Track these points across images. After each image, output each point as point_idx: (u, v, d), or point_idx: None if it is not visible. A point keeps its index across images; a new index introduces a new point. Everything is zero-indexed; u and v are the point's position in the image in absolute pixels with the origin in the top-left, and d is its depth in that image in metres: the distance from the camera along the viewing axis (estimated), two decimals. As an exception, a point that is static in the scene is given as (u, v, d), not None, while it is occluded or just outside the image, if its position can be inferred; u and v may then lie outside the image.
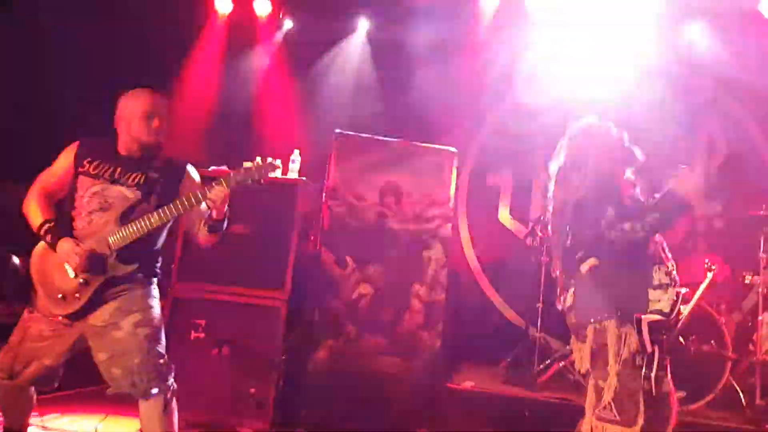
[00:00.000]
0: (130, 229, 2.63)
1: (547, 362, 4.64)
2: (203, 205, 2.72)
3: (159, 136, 2.77)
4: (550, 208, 2.71)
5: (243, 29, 5.97)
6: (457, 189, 5.43)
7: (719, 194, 5.55)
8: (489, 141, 6.24)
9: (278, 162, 2.76)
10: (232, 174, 2.68)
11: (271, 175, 2.86)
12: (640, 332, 2.43)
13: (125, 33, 5.40)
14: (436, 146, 4.84)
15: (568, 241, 2.61)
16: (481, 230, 6.19)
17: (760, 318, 4.27)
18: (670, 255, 2.60)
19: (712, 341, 4.11)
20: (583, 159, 2.62)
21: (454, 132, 5.55)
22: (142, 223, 2.63)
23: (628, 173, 2.65)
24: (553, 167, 2.73)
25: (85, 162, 2.74)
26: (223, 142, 5.39)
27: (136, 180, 2.73)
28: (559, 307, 2.71)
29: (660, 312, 2.46)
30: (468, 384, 4.22)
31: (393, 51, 5.89)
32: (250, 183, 2.70)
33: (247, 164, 2.76)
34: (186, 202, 2.65)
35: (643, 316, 2.44)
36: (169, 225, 2.77)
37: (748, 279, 4.37)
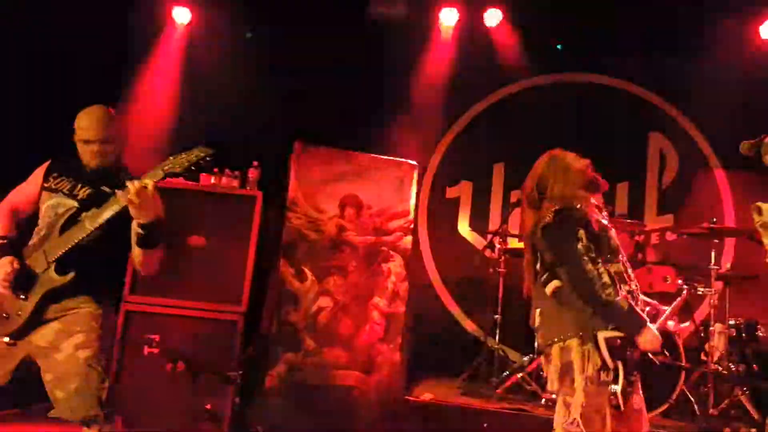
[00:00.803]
0: (65, 237, 2.55)
1: (505, 374, 4.66)
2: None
3: (102, 159, 2.69)
4: (525, 233, 2.77)
5: (202, 37, 5.89)
6: (417, 202, 5.46)
7: (671, 207, 5.73)
8: (449, 154, 6.29)
9: (206, 149, 2.49)
10: (156, 167, 2.49)
11: (198, 165, 2.49)
12: (598, 348, 2.47)
13: (79, 41, 5.27)
14: (397, 159, 4.86)
15: (538, 264, 2.67)
16: (441, 242, 6.21)
17: (711, 328, 4.39)
18: (632, 275, 2.66)
19: (665, 352, 4.20)
20: (549, 185, 2.68)
21: (415, 145, 5.57)
22: (75, 230, 2.55)
23: (595, 199, 2.72)
24: (524, 190, 2.80)
25: (50, 177, 2.73)
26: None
27: (86, 193, 2.67)
28: (532, 326, 2.76)
29: (616, 329, 2.51)
30: (427, 396, 4.22)
31: (354, 65, 5.90)
32: (180, 170, 2.45)
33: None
34: (113, 204, 2.50)
35: (598, 333, 2.49)
36: (120, 238, 2.64)
37: (700, 290, 4.49)
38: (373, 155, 4.80)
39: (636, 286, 2.66)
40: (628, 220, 5.13)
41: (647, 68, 5.87)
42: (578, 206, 2.61)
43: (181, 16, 5.86)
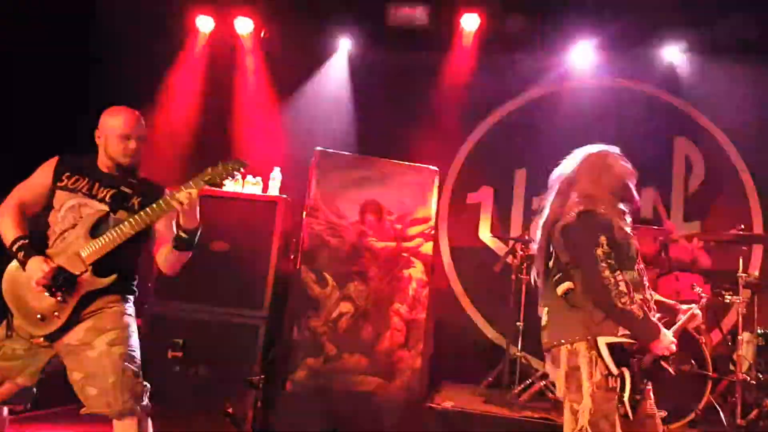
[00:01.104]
0: (103, 240, 2.59)
1: (527, 381, 4.61)
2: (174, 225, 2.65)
3: (134, 157, 2.74)
4: (542, 219, 2.69)
5: (224, 47, 5.97)
6: (438, 207, 5.44)
7: (697, 214, 5.63)
8: (470, 159, 6.27)
9: (242, 162, 2.62)
10: (197, 176, 2.58)
11: (238, 178, 2.72)
12: (600, 354, 2.43)
13: (106, 48, 5.37)
14: (417, 165, 4.86)
15: (551, 262, 2.63)
16: (462, 249, 6.18)
17: (740, 337, 4.30)
18: (647, 283, 2.61)
19: (693, 361, 4.13)
20: (586, 179, 2.61)
21: (436, 151, 5.57)
22: (115, 233, 2.59)
23: (621, 205, 2.65)
24: (557, 176, 2.72)
25: (63, 177, 2.70)
26: (203, 161, 5.35)
27: (110, 195, 2.70)
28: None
29: (630, 336, 2.46)
30: (448, 404, 4.18)
31: (375, 71, 5.92)
32: (219, 181, 2.59)
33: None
34: (157, 208, 2.58)
35: (599, 338, 2.44)
36: (144, 240, 2.71)
37: (728, 298, 4.39)
38: (393, 161, 4.80)
39: (651, 294, 2.61)
40: (654, 227, 5.06)
41: (671, 72, 5.80)
42: (602, 210, 2.56)
43: (205, 24, 5.94)
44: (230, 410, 3.99)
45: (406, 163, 4.86)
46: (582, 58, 5.92)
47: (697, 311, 2.74)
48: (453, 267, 6.16)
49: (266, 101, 5.71)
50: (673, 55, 5.77)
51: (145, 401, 2.60)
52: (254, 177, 4.82)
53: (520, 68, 6.01)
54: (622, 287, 2.42)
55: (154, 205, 2.59)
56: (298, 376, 4.28)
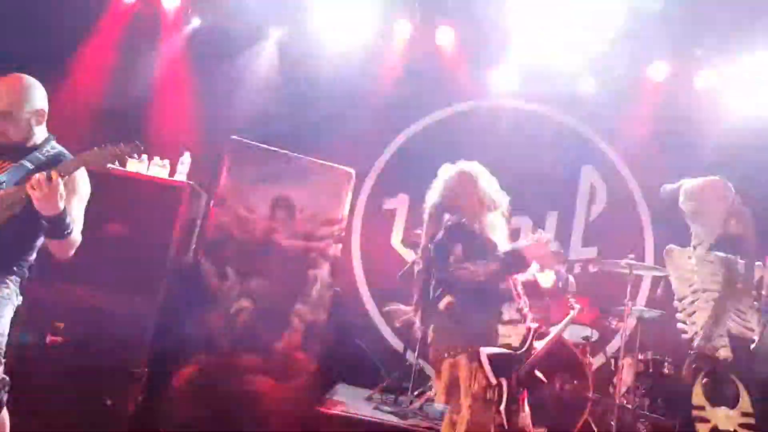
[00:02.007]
0: None
1: (420, 389, 4.67)
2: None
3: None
4: (420, 246, 2.83)
5: (146, 21, 5.70)
6: (353, 210, 5.41)
7: (595, 240, 5.91)
8: (390, 165, 6.30)
9: (136, 145, 2.46)
10: (76, 157, 2.43)
11: (133, 166, 2.53)
12: (480, 365, 2.51)
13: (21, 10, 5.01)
14: (334, 165, 4.81)
15: (432, 280, 2.70)
16: (373, 253, 6.19)
17: (621, 362, 4.52)
18: (522, 292, 2.74)
19: (575, 381, 4.31)
20: (451, 199, 2.76)
21: (355, 153, 5.54)
22: None
23: (493, 217, 2.80)
24: (428, 204, 2.87)
25: None
26: (110, 135, 5.08)
27: (4, 169, 2.49)
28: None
29: (509, 346, 2.56)
30: (338, 409, 4.17)
31: (302, 65, 5.83)
32: (103, 164, 2.48)
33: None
34: (24, 188, 2.37)
35: (481, 349, 2.53)
36: (32, 220, 2.48)
37: (613, 324, 4.61)
38: (310, 159, 4.72)
39: (525, 302, 2.77)
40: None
41: (582, 103, 6.05)
42: (464, 221, 2.68)
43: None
44: (110, 402, 3.80)
45: (323, 162, 4.80)
46: (504, 79, 6.06)
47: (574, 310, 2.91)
48: (362, 270, 6.16)
49: (184, 82, 5.49)
50: (587, 84, 6.01)
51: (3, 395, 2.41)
52: (162, 159, 4.60)
53: (446, 81, 6.08)
54: (472, 268, 2.57)
55: (24, 185, 2.39)
56: (187, 372, 4.12)
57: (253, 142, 4.58)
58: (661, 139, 5.77)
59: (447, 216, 2.78)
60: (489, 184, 2.86)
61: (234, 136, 4.53)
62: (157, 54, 5.56)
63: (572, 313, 3.33)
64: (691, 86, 5.68)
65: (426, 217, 2.88)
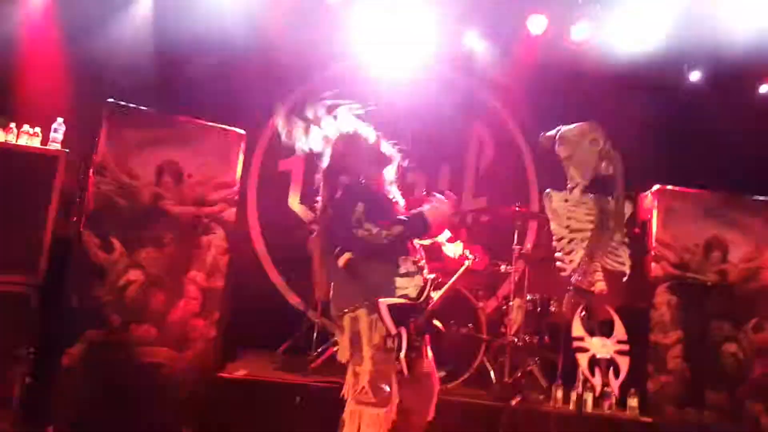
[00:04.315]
0: None
1: (323, 347, 4.72)
2: None
3: None
4: (318, 207, 2.84)
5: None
6: (247, 173, 5.26)
7: (485, 190, 6.15)
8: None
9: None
10: None
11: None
12: (380, 316, 2.59)
13: None
14: (224, 127, 4.65)
15: (331, 239, 2.73)
16: (270, 215, 6.11)
17: (510, 303, 4.77)
18: (418, 245, 2.83)
19: (470, 324, 4.52)
20: (340, 162, 2.79)
21: (248, 115, 5.38)
22: None
23: (387, 173, 2.85)
24: (320, 167, 2.88)
25: None
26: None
27: None
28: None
29: (406, 297, 2.64)
30: (240, 372, 4.14)
31: (183, 23, 5.51)
32: None
33: None
34: None
35: (380, 300, 2.60)
36: None
37: (503, 268, 4.84)
38: (197, 120, 4.54)
39: (420, 255, 2.84)
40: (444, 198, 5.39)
41: (471, 57, 6.18)
42: (362, 179, 2.73)
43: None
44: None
45: (211, 124, 4.63)
46: (393, 37, 6.05)
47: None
48: (260, 233, 6.07)
49: (53, 43, 5.06)
50: (474, 40, 6.13)
51: None
52: (32, 128, 4.27)
53: (334, 39, 5.99)
54: (375, 231, 2.60)
55: None
56: (76, 350, 3.94)
57: (133, 105, 4.34)
58: (542, 90, 6.01)
59: (343, 177, 2.78)
60: (377, 142, 2.88)
61: (111, 99, 4.27)
62: (23, 12, 5.07)
63: (466, 263, 3.46)
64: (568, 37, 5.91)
65: (321, 179, 2.87)
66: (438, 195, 2.89)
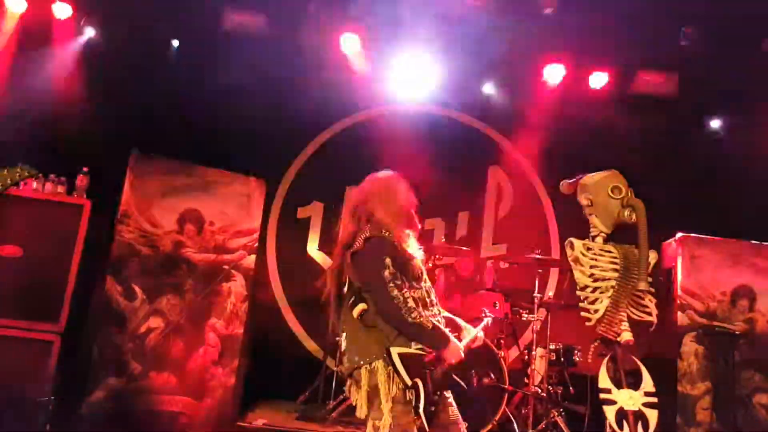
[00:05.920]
0: None
1: (341, 396, 4.65)
2: None
3: None
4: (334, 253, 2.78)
5: (37, 32, 5.38)
6: (266, 221, 5.30)
7: (505, 237, 6.11)
8: (301, 174, 6.25)
9: (31, 170, 2.32)
10: None
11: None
12: (394, 365, 2.52)
13: None
14: (243, 175, 4.72)
15: (345, 287, 2.68)
16: (289, 262, 6.12)
17: (533, 352, 4.68)
18: (436, 300, 2.76)
19: (492, 374, 4.42)
20: (365, 209, 2.73)
21: (265, 163, 5.46)
22: None
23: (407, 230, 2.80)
24: (345, 211, 2.82)
25: None
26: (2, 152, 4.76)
27: None
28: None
29: (423, 349, 2.58)
30: (259, 422, 4.09)
31: (205, 75, 5.66)
32: None
33: None
34: None
35: (392, 348, 2.54)
36: None
37: (525, 317, 4.77)
38: (217, 169, 4.62)
39: (438, 311, 2.76)
40: (464, 248, 5.38)
41: (486, 105, 6.25)
42: (387, 234, 2.67)
43: (16, 4, 5.32)
44: (12, 436, 3.56)
45: (231, 172, 4.70)
46: (411, 85, 6.16)
47: (481, 333, 2.94)
48: (279, 280, 6.07)
49: (79, 96, 5.22)
50: (491, 88, 6.21)
51: None
52: (58, 177, 4.36)
53: (353, 88, 6.11)
54: (411, 303, 2.54)
55: None
56: (95, 397, 3.92)
57: (156, 155, 4.43)
58: (561, 138, 6.03)
59: (364, 222, 2.70)
60: (406, 195, 2.84)
61: (135, 150, 4.36)
62: (49, 65, 5.25)
63: (485, 321, 3.37)
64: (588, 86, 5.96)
65: (342, 223, 2.82)
66: (480, 333, 2.87)
